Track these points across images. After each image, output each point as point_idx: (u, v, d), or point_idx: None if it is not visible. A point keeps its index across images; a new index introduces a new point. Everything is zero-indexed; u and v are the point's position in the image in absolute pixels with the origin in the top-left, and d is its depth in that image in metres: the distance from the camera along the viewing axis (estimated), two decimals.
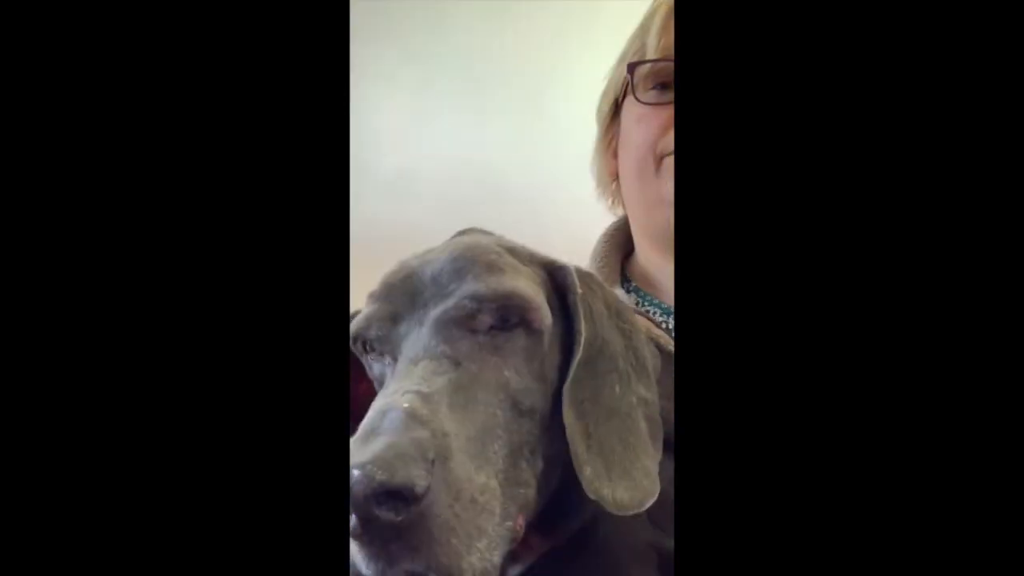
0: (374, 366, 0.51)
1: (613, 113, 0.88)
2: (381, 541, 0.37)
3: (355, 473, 0.36)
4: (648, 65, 0.81)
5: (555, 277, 0.53)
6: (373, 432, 0.39)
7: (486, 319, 0.47)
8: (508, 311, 0.47)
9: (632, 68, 0.82)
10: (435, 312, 0.47)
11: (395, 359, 0.48)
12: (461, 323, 0.47)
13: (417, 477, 0.37)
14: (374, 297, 0.51)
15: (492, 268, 0.49)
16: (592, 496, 0.45)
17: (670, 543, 0.50)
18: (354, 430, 0.53)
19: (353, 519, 0.37)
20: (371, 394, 0.56)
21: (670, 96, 0.79)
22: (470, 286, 0.47)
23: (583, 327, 0.50)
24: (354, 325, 0.51)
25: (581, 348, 0.49)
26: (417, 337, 0.47)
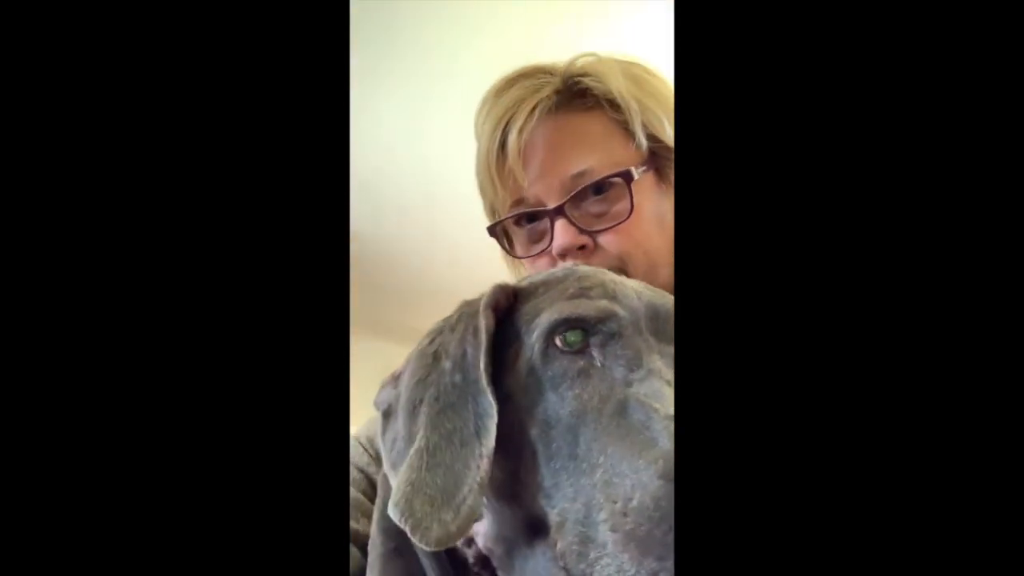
0: (564, 361, 0.47)
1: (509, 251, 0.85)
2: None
3: None
4: (502, 223, 0.80)
5: None
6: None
7: None
8: None
9: (492, 231, 0.81)
10: (669, 351, 0.47)
11: (624, 366, 0.46)
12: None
13: None
14: (598, 294, 0.49)
15: None
16: None
17: None
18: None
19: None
20: None
21: (541, 227, 0.76)
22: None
23: None
24: (579, 310, 0.47)
25: None
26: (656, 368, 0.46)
